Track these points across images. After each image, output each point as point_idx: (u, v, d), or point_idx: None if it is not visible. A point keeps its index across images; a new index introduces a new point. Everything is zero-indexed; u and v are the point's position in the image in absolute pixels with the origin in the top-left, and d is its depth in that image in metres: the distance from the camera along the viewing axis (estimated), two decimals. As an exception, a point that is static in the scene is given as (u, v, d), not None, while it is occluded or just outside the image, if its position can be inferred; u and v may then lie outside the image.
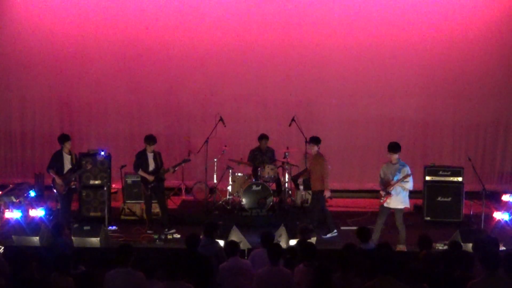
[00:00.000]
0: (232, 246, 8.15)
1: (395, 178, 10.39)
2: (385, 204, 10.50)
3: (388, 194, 10.42)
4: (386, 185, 10.45)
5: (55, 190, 11.38)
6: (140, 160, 11.58)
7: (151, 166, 11.57)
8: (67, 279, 6.97)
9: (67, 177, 11.27)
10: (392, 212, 10.57)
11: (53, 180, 11.35)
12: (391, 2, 14.63)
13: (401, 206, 10.53)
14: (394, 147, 10.52)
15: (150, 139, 11.58)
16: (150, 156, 11.60)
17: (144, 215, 11.95)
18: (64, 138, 11.48)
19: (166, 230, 11.32)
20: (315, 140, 11.36)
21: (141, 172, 11.55)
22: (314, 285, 6.71)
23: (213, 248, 8.49)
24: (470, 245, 9.58)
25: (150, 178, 11.49)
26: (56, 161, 11.35)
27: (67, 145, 11.41)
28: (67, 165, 11.38)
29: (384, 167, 10.63)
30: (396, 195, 10.44)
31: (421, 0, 14.63)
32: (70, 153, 11.46)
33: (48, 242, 9.96)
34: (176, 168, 11.91)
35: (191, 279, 7.01)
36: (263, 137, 13.07)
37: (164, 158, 11.94)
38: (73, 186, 11.47)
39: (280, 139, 14.10)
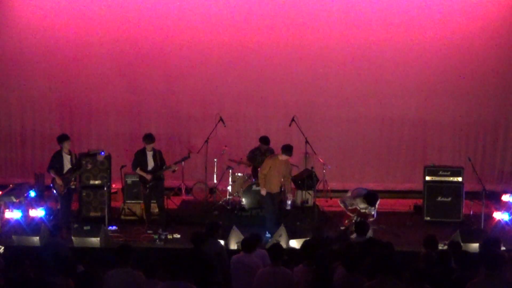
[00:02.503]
0: (247, 243, 8.16)
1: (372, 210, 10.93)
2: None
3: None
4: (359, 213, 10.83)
5: (54, 191, 11.37)
6: (139, 159, 11.54)
7: (150, 165, 11.52)
8: (67, 281, 6.97)
9: (66, 177, 11.27)
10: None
11: (53, 180, 11.33)
12: (391, 2, 14.63)
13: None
14: (372, 200, 10.88)
15: (148, 138, 11.53)
16: (150, 155, 11.55)
17: (144, 215, 11.94)
18: (63, 138, 11.47)
19: (161, 230, 11.18)
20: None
21: (139, 171, 11.50)
22: (314, 284, 6.71)
23: (215, 247, 8.50)
24: (470, 245, 9.65)
25: (148, 177, 11.43)
26: (56, 161, 11.34)
27: (66, 145, 11.39)
28: (67, 165, 11.38)
29: (353, 201, 10.93)
30: None
31: (421, 0, 14.64)
32: (69, 153, 11.45)
33: (43, 242, 9.99)
34: (176, 167, 11.88)
35: (192, 278, 7.01)
36: (261, 141, 13.00)
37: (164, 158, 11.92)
38: (73, 186, 11.47)
39: (280, 139, 14.08)
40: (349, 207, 10.86)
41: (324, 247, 7.80)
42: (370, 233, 10.57)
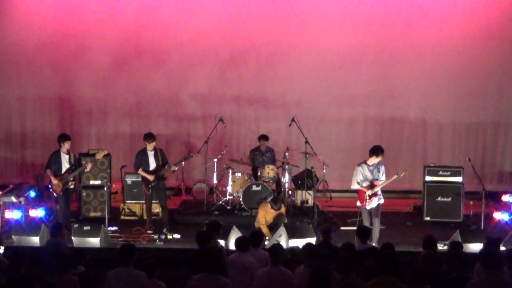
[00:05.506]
0: (240, 242, 8.16)
1: (379, 178, 10.44)
2: (368, 207, 10.46)
3: (375, 195, 10.45)
4: (371, 187, 10.44)
5: (51, 191, 11.35)
6: (140, 160, 11.49)
7: (152, 165, 11.44)
8: (72, 278, 6.97)
9: (65, 177, 11.24)
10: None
11: (50, 180, 11.32)
12: (391, 2, 14.64)
13: (382, 201, 10.59)
14: (378, 151, 10.47)
15: (148, 137, 11.46)
16: (151, 155, 11.47)
17: (144, 215, 11.93)
18: (63, 138, 11.44)
19: (165, 230, 11.22)
20: None
21: (141, 172, 11.44)
22: (312, 284, 6.69)
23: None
24: (470, 245, 9.65)
25: (151, 177, 11.38)
26: (54, 161, 11.31)
27: (66, 145, 11.35)
28: (65, 165, 11.34)
29: (360, 169, 10.52)
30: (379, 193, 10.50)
31: (421, 0, 14.64)
32: (68, 153, 11.41)
33: (43, 242, 9.99)
34: (176, 168, 11.84)
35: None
36: (261, 138, 13.04)
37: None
38: (71, 186, 11.43)
39: (280, 139, 14.10)
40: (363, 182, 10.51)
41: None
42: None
